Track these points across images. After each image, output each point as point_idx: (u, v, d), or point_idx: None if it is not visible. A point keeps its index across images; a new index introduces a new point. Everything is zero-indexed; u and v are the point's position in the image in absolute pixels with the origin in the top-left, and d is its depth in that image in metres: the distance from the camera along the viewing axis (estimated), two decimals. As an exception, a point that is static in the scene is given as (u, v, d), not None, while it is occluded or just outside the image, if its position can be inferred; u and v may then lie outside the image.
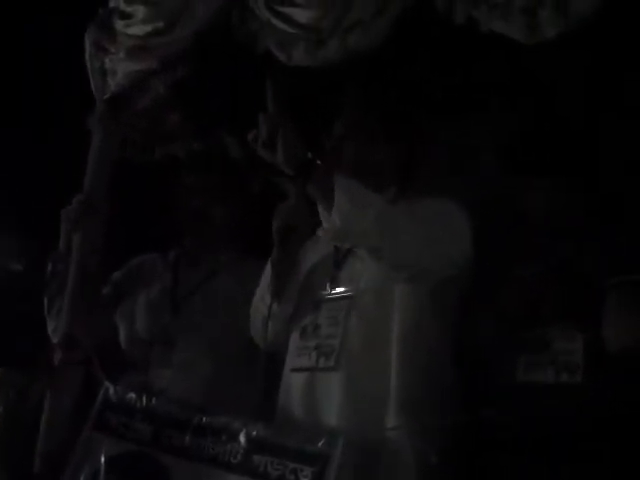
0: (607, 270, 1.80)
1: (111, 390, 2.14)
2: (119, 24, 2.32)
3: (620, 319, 1.72)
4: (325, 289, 2.05)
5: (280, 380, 2.10)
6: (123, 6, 2.32)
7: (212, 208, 2.46)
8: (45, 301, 2.44)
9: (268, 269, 2.10)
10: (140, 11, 2.25)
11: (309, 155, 1.85)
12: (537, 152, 2.11)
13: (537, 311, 2.04)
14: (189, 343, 2.35)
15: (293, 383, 2.02)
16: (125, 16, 2.31)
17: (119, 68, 2.36)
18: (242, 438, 1.88)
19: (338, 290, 2.03)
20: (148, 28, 2.24)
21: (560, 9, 1.67)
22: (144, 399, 2.09)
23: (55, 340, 2.34)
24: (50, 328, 2.41)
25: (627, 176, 2.14)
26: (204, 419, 1.97)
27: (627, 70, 2.14)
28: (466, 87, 2.24)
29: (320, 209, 1.84)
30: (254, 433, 1.88)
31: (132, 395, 2.11)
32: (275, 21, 1.93)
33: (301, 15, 1.90)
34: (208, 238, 2.49)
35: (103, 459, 2.06)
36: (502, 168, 2.25)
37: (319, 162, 1.92)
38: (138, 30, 2.27)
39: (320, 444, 1.76)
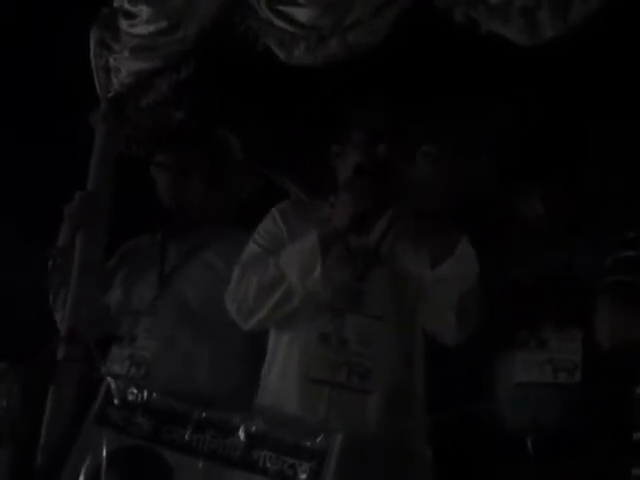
0: (602, 271, 1.82)
1: (112, 385, 2.16)
2: (123, 24, 2.34)
3: (610, 319, 1.73)
4: (347, 300, 2.02)
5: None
6: (127, 6, 2.34)
7: (190, 184, 2.48)
8: (50, 295, 2.46)
9: (310, 244, 1.98)
10: (144, 11, 2.27)
11: None
12: (534, 156, 2.13)
13: (535, 311, 2.06)
14: (173, 316, 2.36)
15: (312, 392, 1.97)
16: (129, 16, 2.33)
17: (123, 67, 2.38)
18: (241, 433, 1.91)
19: (365, 307, 2.00)
20: (152, 28, 2.26)
21: (559, 11, 1.68)
22: (145, 394, 2.11)
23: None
24: (58, 319, 2.43)
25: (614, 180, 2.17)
26: (204, 414, 1.99)
27: (626, 74, 2.16)
28: (464, 87, 2.26)
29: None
30: (253, 428, 1.90)
31: (133, 390, 2.13)
32: (276, 20, 1.95)
33: (302, 14, 1.92)
34: (190, 213, 2.51)
35: (104, 453, 2.07)
36: (499, 172, 2.28)
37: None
38: (142, 30, 2.29)
39: (319, 440, 1.79)
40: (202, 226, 2.50)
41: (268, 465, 1.83)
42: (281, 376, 2.05)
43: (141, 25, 2.27)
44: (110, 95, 2.46)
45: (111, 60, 2.39)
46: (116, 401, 2.14)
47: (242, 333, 2.14)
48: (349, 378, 1.94)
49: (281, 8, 1.97)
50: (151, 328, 2.36)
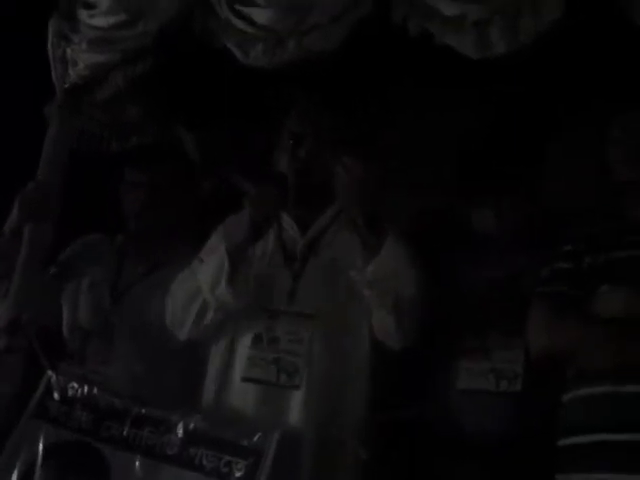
0: (538, 281, 1.86)
1: (53, 378, 2.15)
2: (83, 14, 2.31)
3: (535, 327, 1.77)
4: (281, 299, 2.05)
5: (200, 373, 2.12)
6: (88, -5, 2.32)
7: (159, 203, 2.41)
8: None
9: (219, 256, 2.05)
10: (104, 2, 2.25)
11: None
12: (490, 166, 2.16)
13: (479, 320, 2.09)
14: (126, 338, 2.31)
15: (243, 392, 2.02)
16: (89, 6, 2.30)
17: (80, 59, 2.35)
18: (179, 430, 1.91)
19: (298, 305, 2.04)
20: (111, 20, 2.23)
21: (511, 29, 1.72)
22: (85, 389, 2.10)
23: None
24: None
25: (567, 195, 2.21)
26: (143, 410, 1.99)
27: (578, 88, 2.21)
28: (418, 97, 2.29)
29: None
30: (191, 425, 1.90)
31: (74, 384, 2.12)
32: (235, 20, 1.96)
33: (261, 16, 1.93)
34: (155, 230, 2.45)
35: (41, 446, 2.06)
36: (454, 177, 2.31)
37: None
38: (101, 22, 2.26)
39: (255, 438, 1.80)
40: (167, 242, 2.44)
41: (204, 462, 1.84)
42: (220, 379, 2.08)
43: (100, 16, 2.24)
44: (66, 87, 2.43)
45: (68, 51, 2.36)
46: (56, 395, 2.12)
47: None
48: (278, 376, 1.98)
49: (241, 8, 1.98)
50: (104, 350, 2.30)
